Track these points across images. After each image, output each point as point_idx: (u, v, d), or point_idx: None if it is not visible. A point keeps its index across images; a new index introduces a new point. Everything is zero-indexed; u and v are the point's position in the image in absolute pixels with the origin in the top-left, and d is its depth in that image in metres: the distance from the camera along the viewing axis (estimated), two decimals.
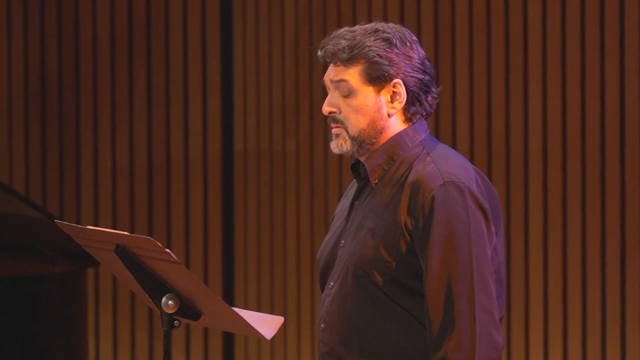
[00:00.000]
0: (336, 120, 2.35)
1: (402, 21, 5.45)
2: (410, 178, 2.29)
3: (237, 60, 6.04)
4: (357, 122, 2.34)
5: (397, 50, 2.32)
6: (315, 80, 5.76)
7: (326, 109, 2.36)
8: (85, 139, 6.13)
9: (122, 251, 2.30)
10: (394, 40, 2.33)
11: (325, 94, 5.64)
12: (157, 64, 6.13)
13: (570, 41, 5.42)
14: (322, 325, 2.34)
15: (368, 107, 2.35)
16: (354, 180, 2.43)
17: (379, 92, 2.35)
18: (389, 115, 2.36)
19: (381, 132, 2.35)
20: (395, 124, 2.37)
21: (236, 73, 6.04)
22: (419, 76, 2.34)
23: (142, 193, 6.10)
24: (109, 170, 6.11)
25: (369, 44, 2.33)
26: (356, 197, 2.38)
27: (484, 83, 5.54)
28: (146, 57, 6.13)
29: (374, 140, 2.35)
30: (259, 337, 2.41)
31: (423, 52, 2.36)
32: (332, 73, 2.35)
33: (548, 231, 5.35)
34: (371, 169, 2.35)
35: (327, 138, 5.73)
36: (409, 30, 2.37)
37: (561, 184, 5.38)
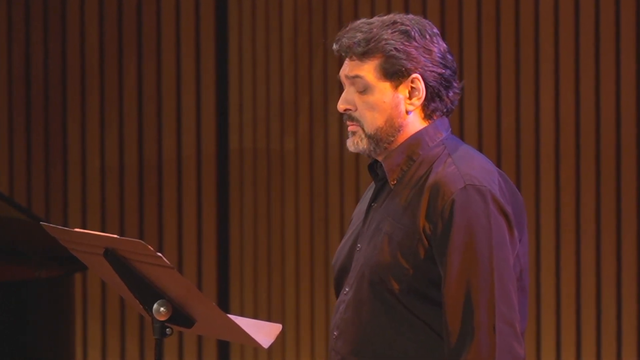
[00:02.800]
0: (352, 118, 2.34)
1: (406, 12, 5.43)
2: (430, 180, 2.28)
3: (233, 53, 6.03)
4: (373, 120, 2.33)
5: (416, 44, 2.31)
6: (315, 75, 5.75)
7: (341, 106, 2.35)
8: (73, 136, 6.13)
9: (112, 255, 2.29)
10: (413, 32, 2.31)
11: (325, 88, 5.63)
12: (148, 57, 6.12)
13: (584, 33, 5.41)
14: (335, 333, 2.33)
15: (385, 104, 2.33)
16: (372, 182, 2.42)
17: (396, 88, 2.33)
18: (407, 112, 2.34)
19: (399, 130, 2.34)
20: (414, 122, 2.35)
21: (231, 67, 6.03)
22: (439, 71, 2.33)
23: (132, 194, 6.09)
24: (97, 170, 6.10)
25: (385, 37, 2.31)
26: (374, 198, 2.37)
27: (492, 77, 5.53)
28: (136, 50, 6.13)
29: (392, 139, 2.33)
30: (256, 346, 2.40)
31: (444, 45, 2.35)
32: (347, 68, 2.34)
33: (560, 234, 5.34)
34: (389, 169, 2.34)
35: (327, 136, 5.72)
36: (429, 22, 2.35)
37: (574, 183, 5.37)
